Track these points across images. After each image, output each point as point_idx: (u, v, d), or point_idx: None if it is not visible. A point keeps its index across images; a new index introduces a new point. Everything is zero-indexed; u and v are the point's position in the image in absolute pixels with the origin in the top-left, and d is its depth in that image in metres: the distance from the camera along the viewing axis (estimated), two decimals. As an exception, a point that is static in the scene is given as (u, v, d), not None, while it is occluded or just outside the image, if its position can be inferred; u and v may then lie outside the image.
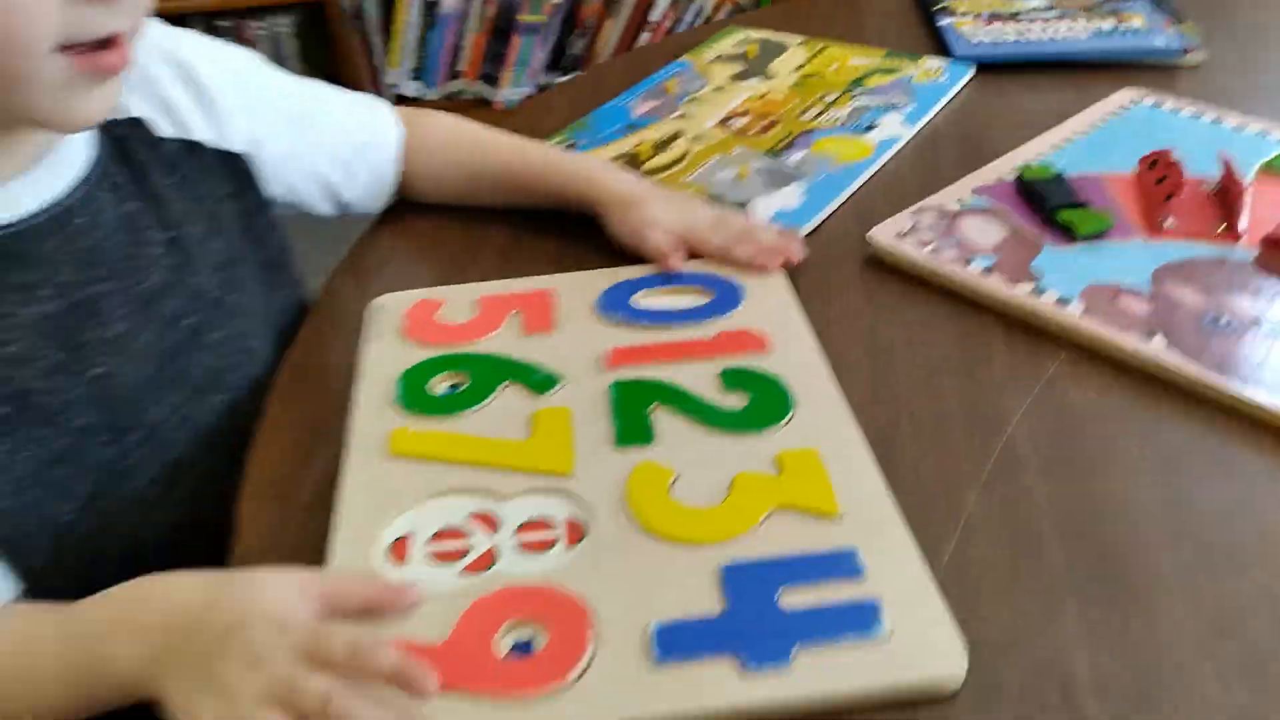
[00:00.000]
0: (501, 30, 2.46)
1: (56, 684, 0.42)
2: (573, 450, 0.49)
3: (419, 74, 2.47)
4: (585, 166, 0.70)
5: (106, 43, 0.46)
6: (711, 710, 0.38)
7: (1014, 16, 0.97)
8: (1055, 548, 0.45)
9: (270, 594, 0.40)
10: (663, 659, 0.39)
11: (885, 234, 0.66)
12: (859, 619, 0.40)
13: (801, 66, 0.91)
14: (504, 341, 0.58)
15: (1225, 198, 0.66)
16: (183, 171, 0.57)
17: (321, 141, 0.66)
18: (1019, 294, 0.60)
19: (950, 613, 0.40)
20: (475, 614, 0.41)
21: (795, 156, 0.77)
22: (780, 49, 0.94)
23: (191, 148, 0.58)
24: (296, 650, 0.38)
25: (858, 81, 0.88)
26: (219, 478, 0.52)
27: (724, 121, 0.83)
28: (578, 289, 0.61)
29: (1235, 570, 0.44)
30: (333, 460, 0.50)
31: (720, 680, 0.39)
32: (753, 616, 0.41)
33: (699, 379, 0.54)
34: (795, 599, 0.41)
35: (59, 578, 0.47)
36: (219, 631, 0.39)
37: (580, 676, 0.39)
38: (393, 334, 0.58)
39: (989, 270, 0.62)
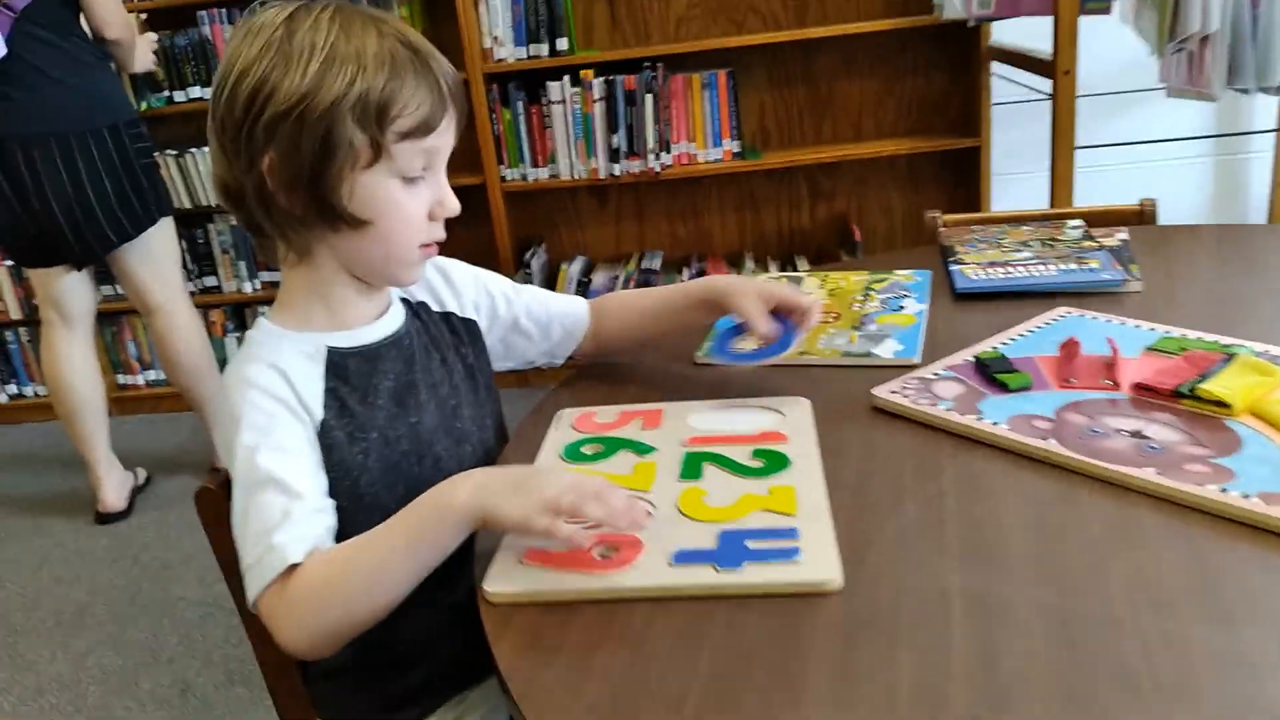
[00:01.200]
0: (639, 301, 2.96)
1: (403, 536, 0.76)
2: (653, 480, 0.88)
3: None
4: (714, 282, 1.08)
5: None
6: (693, 586, 0.73)
7: (1006, 262, 1.35)
8: (953, 540, 0.77)
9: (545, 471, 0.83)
10: (675, 563, 0.75)
11: (882, 390, 1.01)
12: (785, 554, 0.75)
13: (823, 285, 1.35)
14: (629, 431, 0.98)
15: (1111, 364, 0.99)
16: (443, 327, 1.01)
17: (528, 310, 1.09)
18: (965, 420, 0.93)
19: (841, 561, 0.74)
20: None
21: (872, 327, 1.18)
22: (799, 280, 1.38)
23: (447, 315, 1.03)
24: (565, 488, 0.75)
25: (869, 288, 1.31)
26: None
27: (806, 318, 1.25)
28: (678, 409, 1.01)
29: (1072, 559, 0.74)
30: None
31: (701, 573, 0.74)
32: (728, 550, 0.76)
33: (739, 453, 0.91)
34: (755, 544, 0.77)
35: None
36: (522, 476, 0.78)
37: (633, 568, 0.75)
38: (567, 426, 1.00)
39: (949, 409, 0.95)
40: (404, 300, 0.99)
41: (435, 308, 1.02)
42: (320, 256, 0.89)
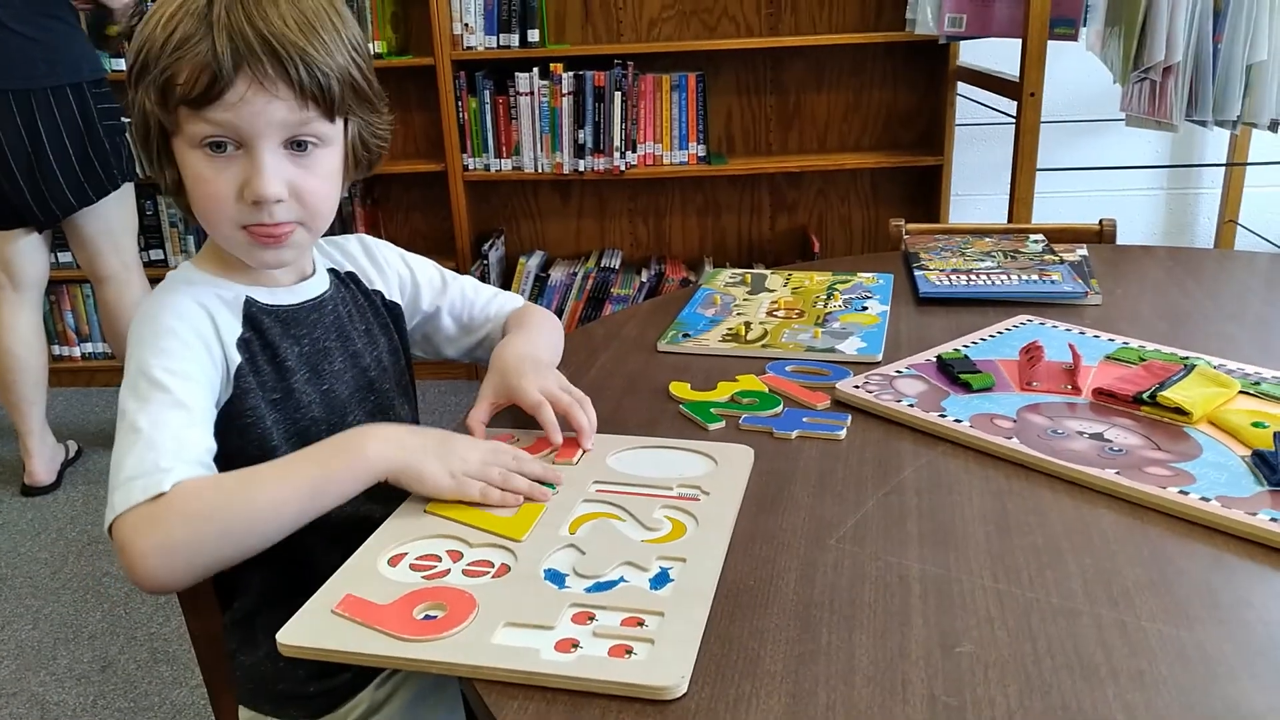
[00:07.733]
0: (596, 299, 2.96)
1: (306, 475, 0.74)
2: (529, 529, 0.76)
3: (525, 331, 2.94)
4: (502, 348, 0.97)
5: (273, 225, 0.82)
6: (510, 671, 0.61)
7: (969, 271, 1.36)
8: (913, 531, 0.76)
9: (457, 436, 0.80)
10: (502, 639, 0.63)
11: (845, 385, 1.00)
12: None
13: (786, 284, 1.35)
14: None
15: (1072, 370, 0.99)
16: (368, 301, 0.99)
17: (451, 306, 1.06)
18: (929, 416, 0.93)
19: (692, 658, 0.61)
20: (410, 595, 0.68)
21: (836, 325, 1.18)
22: (763, 277, 1.38)
23: (371, 293, 1.00)
24: (485, 450, 0.79)
25: (832, 287, 1.31)
26: None
27: (770, 313, 1.23)
28: (602, 443, 0.89)
29: (1033, 553, 0.74)
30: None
31: (525, 655, 0.62)
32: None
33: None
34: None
35: None
36: (439, 437, 0.78)
37: (448, 637, 0.64)
38: None
39: (911, 406, 0.95)
40: (332, 270, 0.97)
41: (365, 283, 1.00)
42: None
